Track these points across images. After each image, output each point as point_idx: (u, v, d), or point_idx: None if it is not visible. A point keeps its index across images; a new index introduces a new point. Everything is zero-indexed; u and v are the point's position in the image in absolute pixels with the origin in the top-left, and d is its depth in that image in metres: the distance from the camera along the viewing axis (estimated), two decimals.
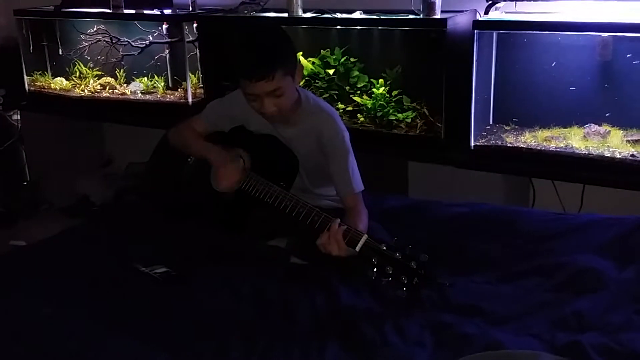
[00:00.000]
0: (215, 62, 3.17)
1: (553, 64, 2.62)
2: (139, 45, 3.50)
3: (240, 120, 2.15)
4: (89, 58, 3.65)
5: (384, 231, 2.06)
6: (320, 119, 2.06)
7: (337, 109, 2.76)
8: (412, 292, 1.66)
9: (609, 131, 2.53)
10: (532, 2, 2.60)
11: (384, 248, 1.68)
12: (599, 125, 2.55)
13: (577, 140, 2.53)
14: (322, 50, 2.97)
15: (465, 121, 2.60)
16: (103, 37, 3.57)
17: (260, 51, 1.89)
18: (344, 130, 2.07)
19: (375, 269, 1.67)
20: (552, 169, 2.52)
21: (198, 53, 3.25)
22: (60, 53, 3.72)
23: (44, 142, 3.78)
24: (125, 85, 3.58)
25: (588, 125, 2.56)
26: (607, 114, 2.55)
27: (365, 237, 1.72)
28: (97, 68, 3.65)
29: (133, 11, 3.42)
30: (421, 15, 2.67)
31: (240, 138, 2.14)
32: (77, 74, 3.67)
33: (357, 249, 1.72)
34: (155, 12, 3.36)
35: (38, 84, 3.73)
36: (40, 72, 3.75)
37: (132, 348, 1.61)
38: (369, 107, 2.86)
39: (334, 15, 2.87)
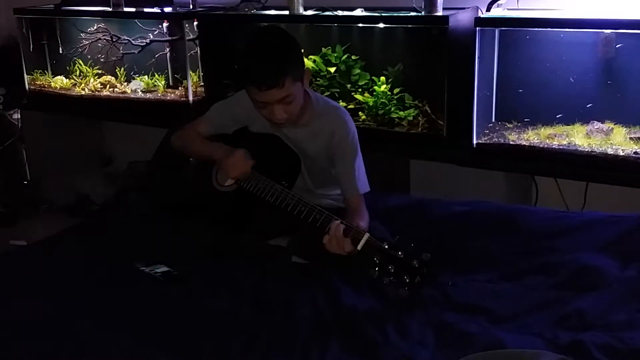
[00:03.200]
0: (216, 61, 3.16)
1: (553, 62, 2.61)
2: (139, 44, 3.49)
3: (244, 122, 2.14)
4: (89, 56, 3.64)
5: (385, 231, 2.05)
6: (332, 119, 2.05)
7: None
8: (414, 291, 1.65)
9: (612, 128, 2.51)
10: None
11: (386, 247, 1.67)
12: (602, 123, 2.53)
13: (580, 137, 2.52)
14: (323, 48, 2.96)
15: (468, 119, 2.59)
16: (103, 35, 3.56)
17: (269, 59, 1.88)
18: (355, 131, 2.05)
19: (377, 268, 1.66)
20: (554, 167, 2.51)
21: (199, 51, 3.24)
22: (61, 52, 3.71)
23: (45, 141, 3.78)
24: (125, 83, 3.57)
25: (591, 122, 2.55)
26: (600, 108, 2.55)
27: (367, 235, 1.71)
28: (98, 67, 3.64)
29: (133, 9, 3.42)
30: (423, 13, 2.66)
31: (241, 137, 2.13)
32: (78, 72, 3.66)
33: (359, 247, 1.71)
34: (156, 10, 3.35)
35: (38, 82, 3.72)
36: (41, 70, 3.75)
37: (133, 348, 1.60)
38: (371, 105, 2.85)
39: (335, 13, 2.86)
